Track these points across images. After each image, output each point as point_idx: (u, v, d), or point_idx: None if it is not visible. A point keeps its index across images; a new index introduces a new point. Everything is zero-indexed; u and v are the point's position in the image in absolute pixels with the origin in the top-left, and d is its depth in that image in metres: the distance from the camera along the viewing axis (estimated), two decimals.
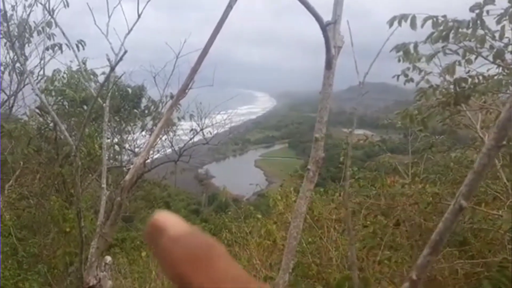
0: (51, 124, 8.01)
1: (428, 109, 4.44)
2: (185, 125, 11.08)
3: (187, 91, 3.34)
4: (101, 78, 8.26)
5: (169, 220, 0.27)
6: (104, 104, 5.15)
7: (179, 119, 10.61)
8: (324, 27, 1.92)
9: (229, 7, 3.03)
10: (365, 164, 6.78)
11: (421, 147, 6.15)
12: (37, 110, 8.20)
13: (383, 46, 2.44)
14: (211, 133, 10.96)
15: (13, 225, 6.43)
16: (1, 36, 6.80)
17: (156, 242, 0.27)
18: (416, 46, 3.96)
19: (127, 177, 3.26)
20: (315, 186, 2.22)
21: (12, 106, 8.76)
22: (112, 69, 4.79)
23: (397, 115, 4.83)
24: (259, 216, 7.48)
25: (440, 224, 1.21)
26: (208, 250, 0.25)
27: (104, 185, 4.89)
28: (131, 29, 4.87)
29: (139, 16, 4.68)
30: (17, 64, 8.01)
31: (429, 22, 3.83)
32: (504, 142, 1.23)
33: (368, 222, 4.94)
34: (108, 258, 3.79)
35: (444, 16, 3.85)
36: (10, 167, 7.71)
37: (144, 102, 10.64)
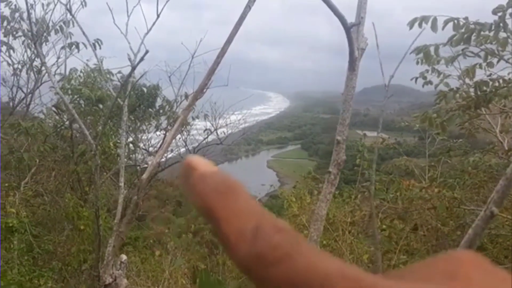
0: (67, 122, 8.07)
1: (447, 112, 4.38)
2: (199, 124, 11.09)
3: (204, 90, 3.33)
4: (116, 78, 8.32)
5: (200, 161, 0.32)
6: (123, 104, 5.18)
7: (193, 119, 10.62)
8: (348, 28, 1.89)
9: (248, 7, 3.02)
10: (381, 167, 6.72)
11: (438, 151, 6.08)
12: (54, 108, 8.27)
13: (409, 49, 2.40)
14: (224, 133, 10.95)
15: (28, 222, 6.49)
16: (19, 34, 6.87)
17: (187, 179, 0.31)
18: (437, 48, 3.90)
19: (144, 175, 3.26)
20: None
21: (29, 104, 8.87)
22: (134, 68, 4.81)
23: (416, 118, 4.77)
24: None
25: (470, 231, 1.17)
26: (230, 186, 0.29)
27: (122, 184, 4.91)
28: (150, 29, 4.89)
29: (158, 16, 4.69)
30: (35, 63, 8.10)
31: (450, 24, 3.77)
32: None
33: (384, 226, 4.88)
34: (124, 257, 3.79)
35: (466, 18, 3.79)
36: (26, 165, 7.79)
37: (159, 101, 10.66)
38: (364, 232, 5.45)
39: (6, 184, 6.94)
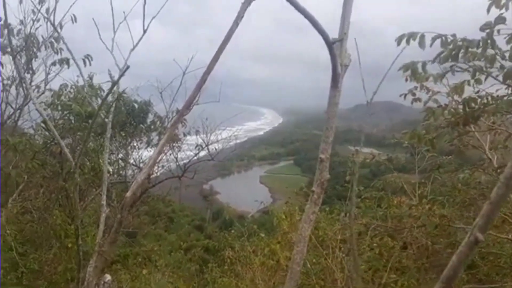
0: (56, 139, 8.00)
1: (436, 129, 4.37)
2: (191, 140, 11.03)
3: (191, 106, 3.29)
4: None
5: None
6: (106, 120, 5.12)
7: (184, 135, 10.57)
8: (330, 44, 1.86)
9: (235, 23, 3.00)
10: (372, 183, 6.69)
11: (428, 167, 6.06)
12: (43, 124, 8.19)
13: (392, 65, 2.38)
14: (216, 149, 10.89)
15: (14, 240, 6.37)
16: (7, 50, 6.83)
17: None
18: (424, 65, 3.90)
19: (128, 193, 3.19)
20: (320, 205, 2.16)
21: (18, 120, 8.77)
22: (114, 84, 4.77)
23: (405, 135, 4.75)
24: (263, 235, 7.37)
25: (454, 258, 1.13)
26: None
27: (103, 202, 4.82)
28: (136, 44, 4.86)
29: (144, 31, 4.67)
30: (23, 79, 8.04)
31: (438, 41, 3.77)
32: None
33: (375, 244, 4.83)
34: (108, 277, 3.70)
35: (454, 35, 3.80)
36: (14, 181, 7.68)
37: (150, 117, 10.63)
38: (351, 250, 5.40)
39: None
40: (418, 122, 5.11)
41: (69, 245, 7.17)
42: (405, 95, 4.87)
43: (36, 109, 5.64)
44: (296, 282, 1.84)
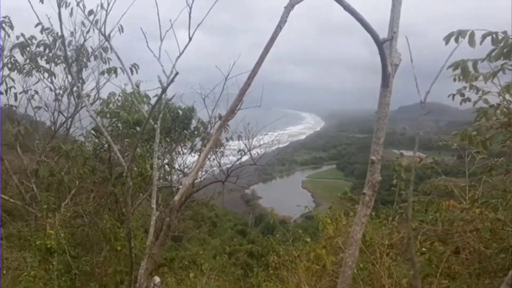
0: (106, 145, 8.27)
1: (488, 129, 4.22)
2: (233, 145, 11.14)
3: (235, 111, 3.34)
4: (154, 100, 8.50)
5: None
6: (155, 126, 5.26)
7: (227, 140, 10.70)
8: (380, 44, 1.85)
9: (278, 27, 3.02)
10: (418, 187, 6.53)
11: (478, 170, 5.84)
12: (93, 132, 8.51)
13: (444, 65, 2.33)
14: (258, 154, 10.94)
15: (67, 243, 6.63)
16: (60, 61, 7.15)
17: None
18: (475, 63, 3.78)
19: (176, 197, 3.27)
20: None
21: (70, 128, 9.16)
22: (163, 91, 4.90)
23: (454, 136, 4.61)
24: (308, 239, 7.32)
25: None
26: None
27: (154, 205, 4.95)
28: (182, 52, 4.99)
29: (190, 39, 4.78)
30: (75, 88, 8.40)
31: (488, 38, 3.65)
32: None
33: (424, 249, 4.70)
34: (157, 279, 3.79)
35: (505, 32, 3.66)
36: (66, 186, 8.02)
37: (193, 123, 10.81)
38: (402, 255, 5.27)
39: (45, 206, 7.14)
40: (466, 123, 4.96)
41: (118, 248, 7.39)
42: (454, 95, 4.73)
43: (90, 115, 5.87)
44: (348, 286, 1.83)
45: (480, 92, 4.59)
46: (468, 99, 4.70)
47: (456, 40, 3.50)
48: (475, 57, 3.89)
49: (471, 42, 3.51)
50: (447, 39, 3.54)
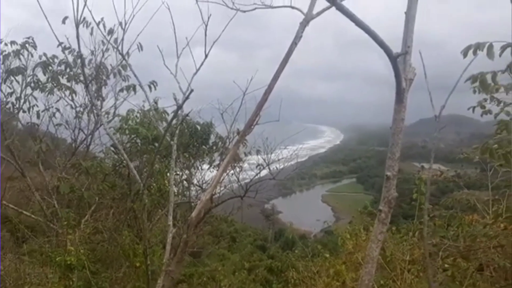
0: (125, 161, 8.35)
1: (509, 142, 4.11)
2: (252, 160, 11.10)
3: (253, 126, 3.33)
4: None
5: None
6: (171, 142, 5.28)
7: (245, 155, 10.68)
8: (394, 58, 1.82)
9: (294, 44, 3.02)
10: (440, 201, 6.39)
11: (502, 183, 5.69)
12: (112, 148, 8.61)
13: (461, 77, 2.28)
14: (277, 168, 10.88)
15: (87, 259, 6.66)
16: (80, 79, 7.27)
17: None
18: (494, 76, 3.70)
19: (194, 213, 3.26)
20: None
21: (90, 144, 9.28)
22: (179, 107, 4.93)
23: (475, 149, 4.50)
24: (327, 255, 7.21)
25: None
26: None
27: (170, 223, 4.95)
28: (198, 69, 5.03)
29: (206, 56, 4.83)
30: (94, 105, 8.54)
31: (508, 50, 3.57)
32: None
33: (447, 265, 4.57)
34: None
35: None
36: (86, 203, 8.09)
37: (212, 138, 10.84)
38: (424, 272, 5.13)
39: (66, 222, 7.21)
40: (488, 135, 4.84)
41: (137, 264, 7.39)
42: (474, 108, 4.65)
43: (107, 133, 5.94)
44: None
45: (501, 104, 4.50)
46: (489, 111, 4.61)
47: (474, 53, 3.44)
48: (499, 66, 3.81)
49: (490, 54, 3.43)
50: (465, 52, 3.48)
